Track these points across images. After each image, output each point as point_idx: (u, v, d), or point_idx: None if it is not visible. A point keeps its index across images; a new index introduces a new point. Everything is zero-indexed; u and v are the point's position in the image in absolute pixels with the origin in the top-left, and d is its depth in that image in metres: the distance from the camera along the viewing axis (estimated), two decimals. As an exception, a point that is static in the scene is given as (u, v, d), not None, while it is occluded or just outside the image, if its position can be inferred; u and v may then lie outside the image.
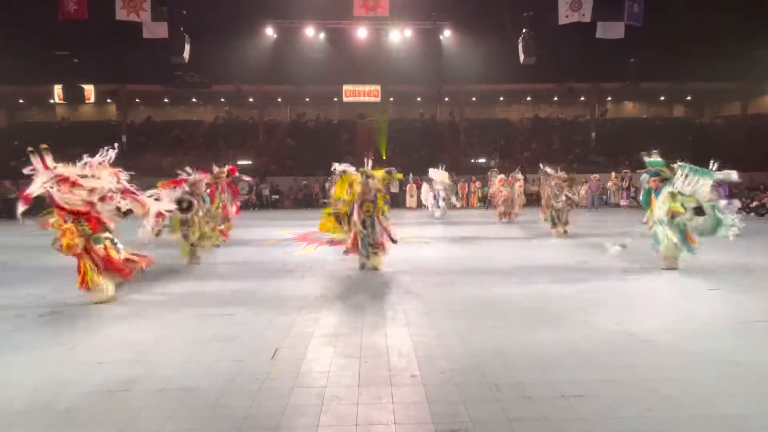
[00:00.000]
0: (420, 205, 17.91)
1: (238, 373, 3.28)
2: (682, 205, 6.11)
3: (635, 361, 3.41)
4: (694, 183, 5.97)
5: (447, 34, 19.27)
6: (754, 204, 14.89)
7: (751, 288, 5.56)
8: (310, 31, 18.72)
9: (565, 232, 9.73)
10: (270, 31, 18.85)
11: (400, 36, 18.61)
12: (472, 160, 24.71)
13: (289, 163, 24.73)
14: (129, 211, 5.31)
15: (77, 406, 2.87)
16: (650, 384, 3.04)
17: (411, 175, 18.97)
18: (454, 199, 15.46)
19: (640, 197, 7.10)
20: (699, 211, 6.02)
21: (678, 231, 6.23)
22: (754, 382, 3.10)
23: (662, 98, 29.49)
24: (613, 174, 19.61)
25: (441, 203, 14.95)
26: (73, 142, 24.25)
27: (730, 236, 5.93)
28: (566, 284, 5.82)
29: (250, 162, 23.39)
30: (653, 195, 6.54)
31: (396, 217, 15.44)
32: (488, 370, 3.28)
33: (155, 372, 3.33)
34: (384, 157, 24.55)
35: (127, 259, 5.22)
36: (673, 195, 6.15)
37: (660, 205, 6.30)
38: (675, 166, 6.29)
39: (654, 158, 6.54)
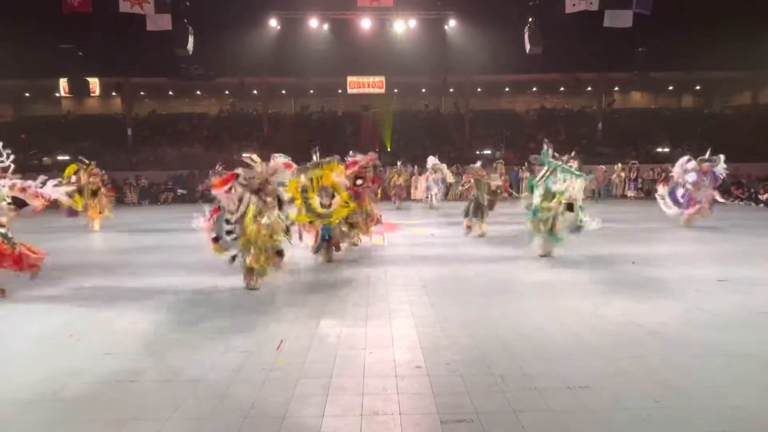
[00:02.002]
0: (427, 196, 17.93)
1: (244, 363, 3.30)
2: (558, 200, 6.50)
3: (642, 353, 3.39)
4: (564, 182, 6.43)
5: (452, 24, 19.07)
6: (765, 197, 14.67)
7: (761, 279, 5.50)
8: (314, 23, 18.60)
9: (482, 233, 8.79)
10: (274, 23, 18.75)
11: (404, 26, 18.44)
12: (478, 152, 24.55)
13: (294, 155, 24.70)
14: (22, 203, 5.14)
15: (85, 395, 2.90)
16: (658, 375, 3.02)
17: (416, 167, 18.92)
18: (438, 193, 15.24)
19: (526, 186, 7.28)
20: (569, 207, 6.45)
21: (546, 223, 6.61)
22: (764, 373, 3.07)
23: (670, 88, 29.08)
24: (619, 165, 19.44)
25: (436, 192, 14.99)
26: (79, 135, 24.53)
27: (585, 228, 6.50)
28: (572, 276, 5.79)
29: (254, 155, 23.43)
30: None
31: (404, 208, 15.54)
32: (493, 361, 3.27)
33: (162, 363, 3.35)
34: (389, 149, 24.49)
35: (21, 254, 5.08)
36: (546, 193, 6.55)
37: (536, 197, 6.67)
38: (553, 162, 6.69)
39: (546, 150, 6.92)
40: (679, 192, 9.86)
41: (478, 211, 8.77)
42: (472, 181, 9.04)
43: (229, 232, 5.05)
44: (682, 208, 9.76)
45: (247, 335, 3.86)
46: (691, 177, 9.62)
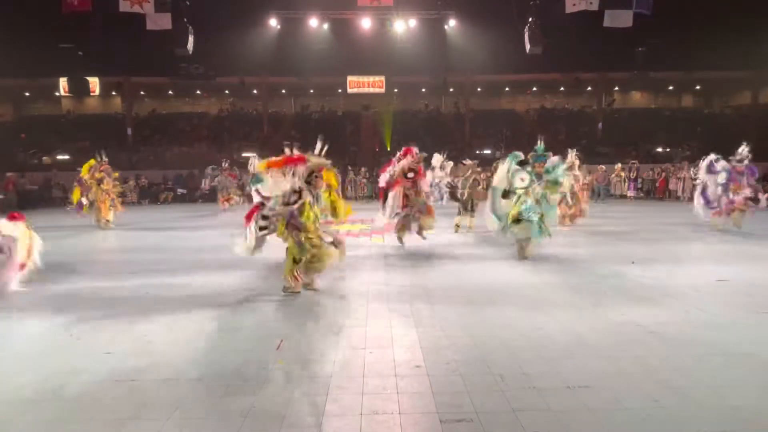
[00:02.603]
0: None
1: (244, 363, 3.30)
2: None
3: (642, 353, 3.39)
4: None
5: (452, 24, 19.09)
6: (765, 197, 14.61)
7: (760, 279, 5.50)
8: (314, 22, 18.62)
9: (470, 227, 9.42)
10: (274, 22, 18.75)
11: (404, 26, 18.45)
12: (477, 152, 24.56)
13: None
14: None
15: (85, 395, 2.90)
16: (657, 375, 3.03)
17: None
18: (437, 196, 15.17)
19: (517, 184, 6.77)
20: (506, 194, 6.47)
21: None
22: (765, 373, 3.07)
23: (670, 88, 29.10)
24: (618, 165, 19.45)
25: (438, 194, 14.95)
26: (79, 135, 24.54)
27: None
28: (572, 275, 5.79)
29: (254, 154, 23.47)
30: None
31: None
32: (493, 361, 3.27)
33: (162, 362, 3.35)
34: (389, 149, 24.47)
35: None
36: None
37: (539, 192, 6.45)
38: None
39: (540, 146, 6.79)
40: (710, 191, 9.30)
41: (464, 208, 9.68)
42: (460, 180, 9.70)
43: (262, 228, 4.80)
44: (714, 208, 9.27)
45: (247, 335, 3.87)
46: (722, 178, 9.08)
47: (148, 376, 3.12)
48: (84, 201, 10.96)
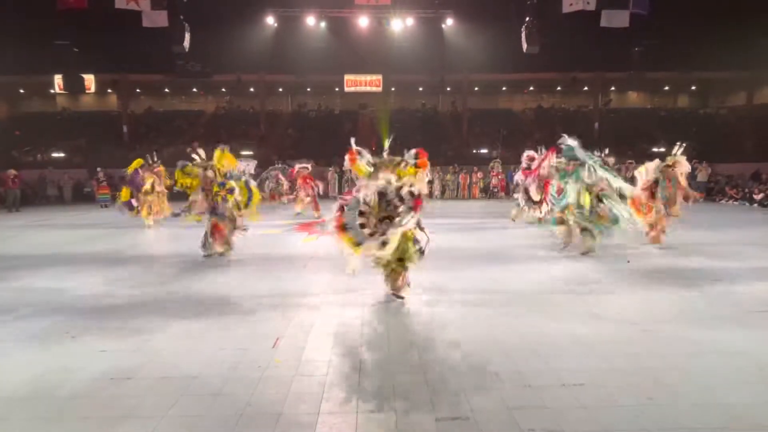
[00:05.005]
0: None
1: (240, 361, 3.30)
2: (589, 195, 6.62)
3: (636, 350, 3.41)
4: (596, 175, 6.54)
5: (449, 23, 19.09)
6: (760, 197, 14.74)
7: (754, 279, 5.54)
8: (311, 20, 18.56)
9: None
10: (271, 20, 18.70)
11: (402, 25, 18.42)
12: (475, 151, 24.59)
13: (291, 153, 24.68)
14: None
15: (80, 393, 2.89)
16: (651, 373, 3.05)
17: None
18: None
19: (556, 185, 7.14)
20: (599, 199, 6.58)
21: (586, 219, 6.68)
22: (757, 371, 3.10)
23: (667, 88, 29.19)
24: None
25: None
26: (74, 132, 24.38)
27: (628, 229, 6.57)
28: (567, 273, 5.81)
29: (251, 152, 23.41)
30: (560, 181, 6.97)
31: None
32: (489, 359, 3.29)
33: (158, 360, 3.35)
34: (386, 148, 24.41)
35: None
36: (586, 187, 6.60)
37: (573, 194, 6.69)
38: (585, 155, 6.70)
39: (570, 143, 6.79)
40: None
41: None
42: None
43: (363, 225, 4.42)
44: None
45: (243, 333, 3.86)
46: None
47: (143, 374, 3.12)
48: (134, 202, 10.58)
